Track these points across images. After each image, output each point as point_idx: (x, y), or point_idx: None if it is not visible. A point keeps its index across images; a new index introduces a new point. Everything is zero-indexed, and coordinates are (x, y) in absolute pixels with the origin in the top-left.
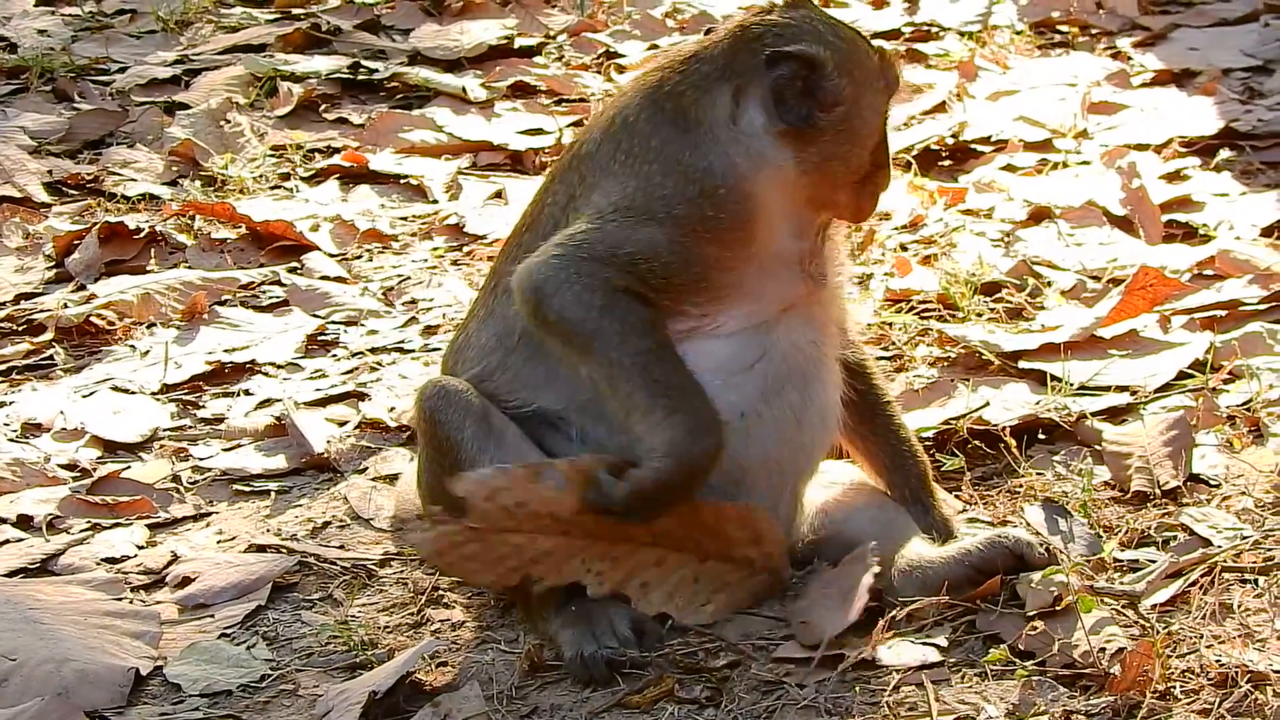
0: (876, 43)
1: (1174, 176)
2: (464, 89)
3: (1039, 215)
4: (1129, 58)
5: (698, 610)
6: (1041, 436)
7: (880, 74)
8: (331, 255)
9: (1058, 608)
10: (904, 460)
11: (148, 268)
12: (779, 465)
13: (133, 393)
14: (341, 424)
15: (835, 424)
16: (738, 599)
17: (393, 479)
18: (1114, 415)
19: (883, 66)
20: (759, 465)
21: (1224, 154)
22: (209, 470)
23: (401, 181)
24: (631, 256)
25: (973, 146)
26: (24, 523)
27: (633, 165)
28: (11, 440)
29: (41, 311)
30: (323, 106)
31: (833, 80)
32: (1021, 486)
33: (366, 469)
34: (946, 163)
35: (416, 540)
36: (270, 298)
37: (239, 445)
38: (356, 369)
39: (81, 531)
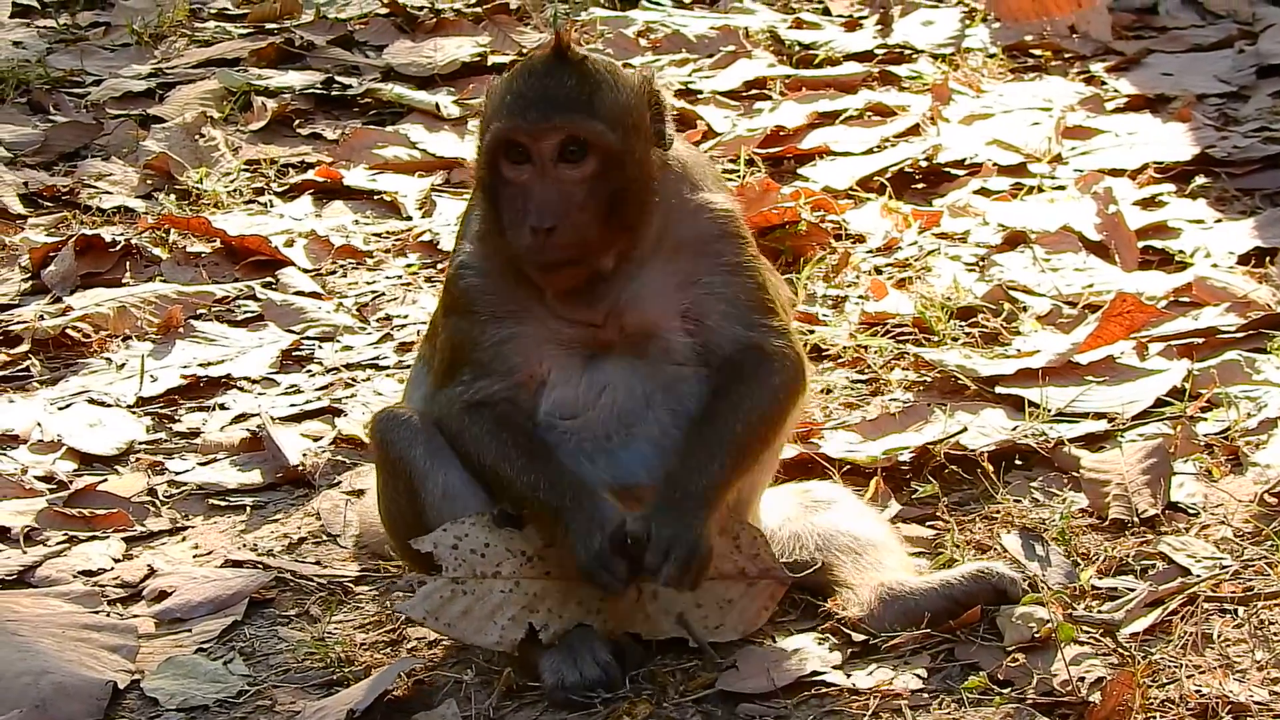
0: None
1: (1149, 203)
2: (437, 106)
3: (1014, 240)
4: (1102, 82)
5: (712, 632)
6: (1019, 462)
7: (489, 122)
8: (306, 271)
9: (1037, 634)
10: (694, 460)
11: (123, 281)
12: None
13: (109, 405)
14: (316, 439)
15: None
16: (751, 615)
17: (364, 494)
18: (1091, 442)
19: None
20: (655, 479)
21: (1199, 180)
22: (185, 484)
23: (375, 198)
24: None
25: (947, 170)
26: (1, 534)
27: None
28: None
29: (18, 323)
30: (296, 121)
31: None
32: (999, 513)
33: (340, 483)
34: (920, 186)
35: (406, 608)
36: (245, 312)
37: (214, 459)
38: (331, 385)
39: (58, 544)
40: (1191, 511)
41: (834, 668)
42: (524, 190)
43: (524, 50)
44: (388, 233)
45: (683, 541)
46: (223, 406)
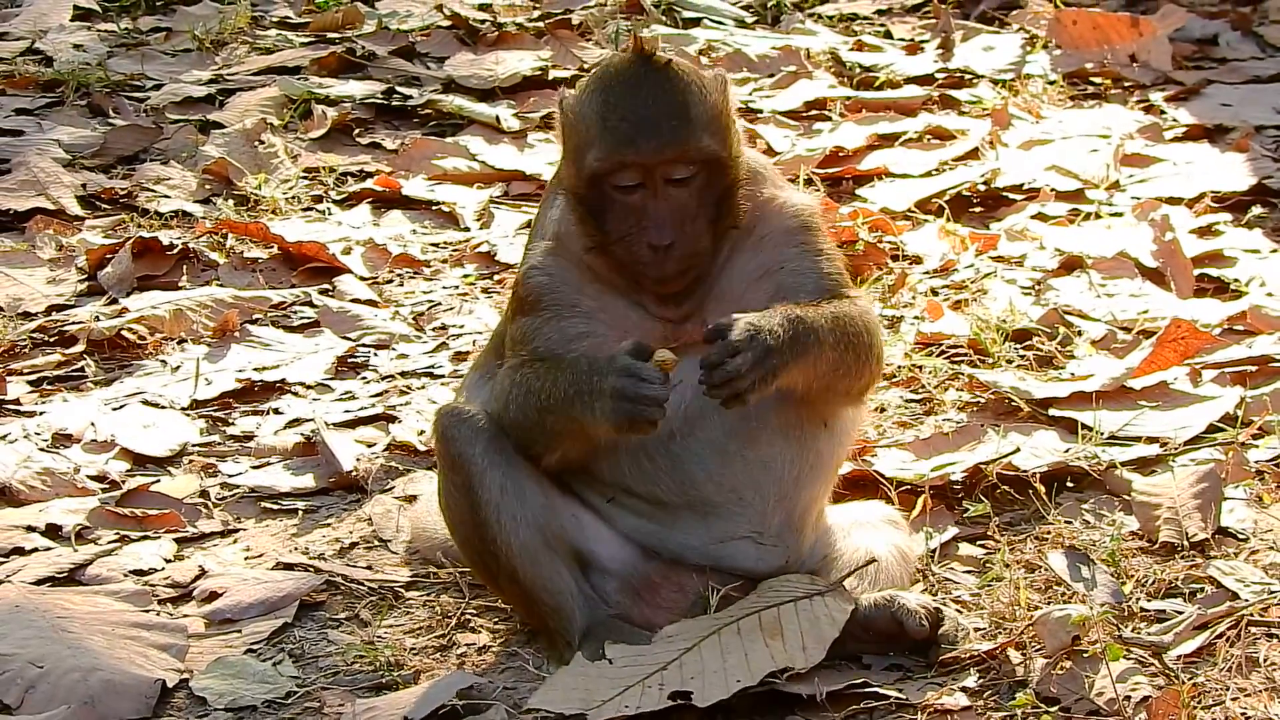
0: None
1: (1206, 231)
2: (497, 118)
3: (1070, 265)
4: (1161, 111)
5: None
6: (1070, 484)
7: (591, 144)
8: (363, 278)
9: (1085, 654)
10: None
11: (180, 284)
12: (744, 482)
13: (163, 407)
14: (370, 445)
15: (804, 434)
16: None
17: (416, 500)
18: (1143, 466)
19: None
20: (714, 484)
21: (1256, 210)
22: (237, 487)
23: (433, 208)
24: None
25: (1005, 194)
26: (52, 532)
27: None
28: (42, 450)
29: (73, 323)
30: (356, 131)
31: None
32: (1049, 534)
33: (393, 489)
34: (978, 209)
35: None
36: (301, 318)
37: (268, 463)
38: (386, 392)
39: (110, 543)
40: (1241, 537)
41: (887, 684)
42: (636, 210)
43: (585, 66)
44: (445, 243)
45: (762, 336)
46: (277, 411)
